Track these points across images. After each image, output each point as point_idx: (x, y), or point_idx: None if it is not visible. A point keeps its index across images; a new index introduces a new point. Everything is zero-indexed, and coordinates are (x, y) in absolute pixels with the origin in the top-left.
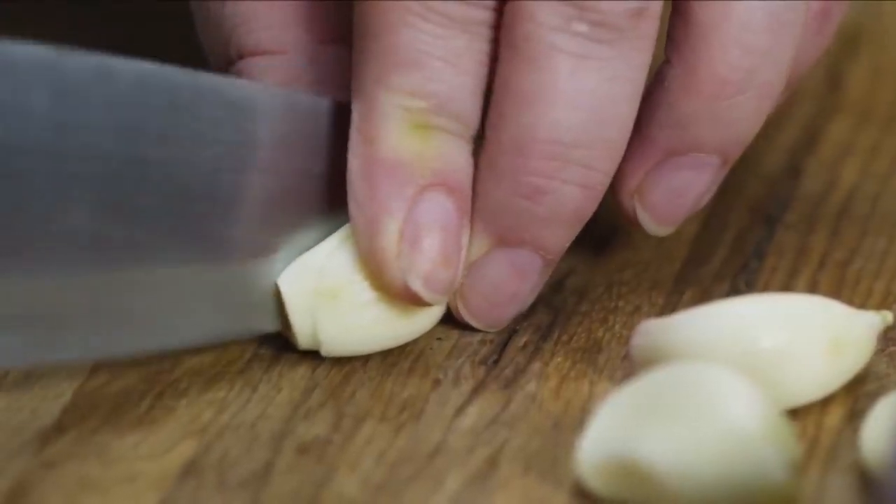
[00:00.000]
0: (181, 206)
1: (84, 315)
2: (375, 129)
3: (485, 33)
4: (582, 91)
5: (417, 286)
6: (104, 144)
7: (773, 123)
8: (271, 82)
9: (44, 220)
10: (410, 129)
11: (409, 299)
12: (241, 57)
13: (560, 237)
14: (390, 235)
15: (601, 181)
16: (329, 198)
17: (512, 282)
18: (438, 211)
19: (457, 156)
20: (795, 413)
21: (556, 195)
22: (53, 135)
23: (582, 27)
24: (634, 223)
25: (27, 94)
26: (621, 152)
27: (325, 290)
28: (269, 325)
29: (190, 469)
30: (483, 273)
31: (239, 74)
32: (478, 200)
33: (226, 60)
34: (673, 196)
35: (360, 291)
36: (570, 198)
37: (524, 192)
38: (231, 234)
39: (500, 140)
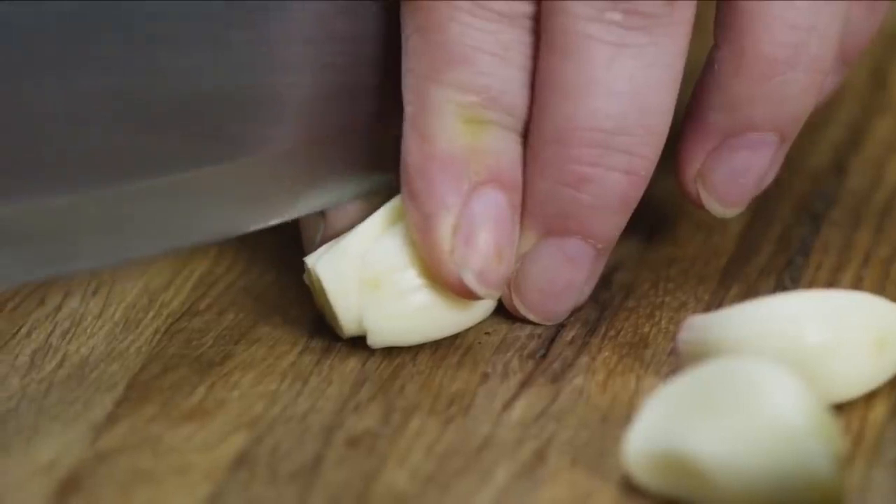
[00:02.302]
0: (197, 110)
1: (96, 226)
2: (429, 126)
3: (529, 26)
4: (620, 78)
5: (471, 281)
6: (116, 55)
7: (818, 122)
8: None
9: (56, 139)
10: (464, 125)
11: (462, 293)
12: None
13: (608, 224)
14: (445, 230)
15: (645, 167)
16: (369, 97)
17: (564, 272)
18: (491, 207)
19: (509, 151)
20: (840, 408)
21: (600, 182)
22: (64, 49)
23: (616, 16)
24: (701, 207)
25: (35, 9)
26: (663, 138)
27: (369, 279)
28: (287, 213)
29: (241, 461)
30: (535, 265)
31: None
32: (524, 193)
33: None
34: (735, 177)
35: (405, 280)
36: (615, 184)
37: (568, 181)
38: (252, 132)
39: (541, 131)
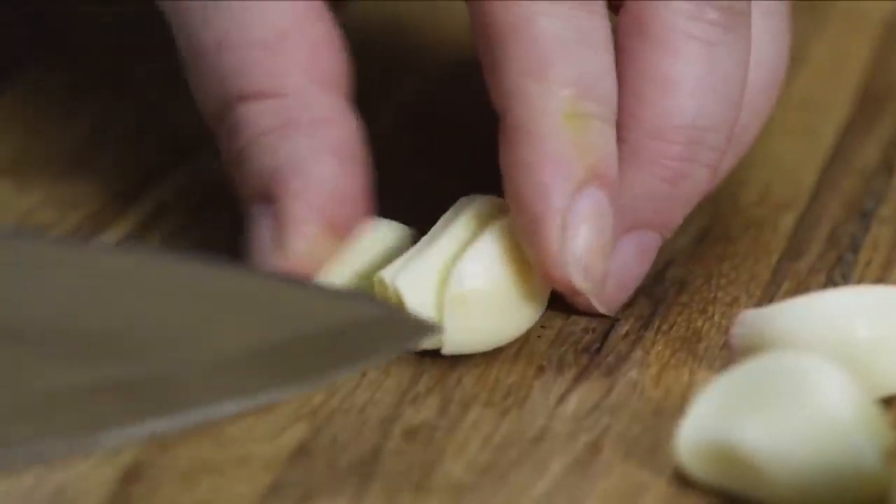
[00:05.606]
0: None
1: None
2: (532, 124)
3: (603, 12)
4: (717, 76)
5: (578, 279)
6: None
7: (867, 122)
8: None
9: None
10: (564, 120)
11: (567, 290)
12: (240, 100)
13: (683, 217)
14: (555, 230)
15: (720, 161)
16: None
17: (638, 263)
18: (594, 205)
19: (608, 145)
20: (890, 402)
21: (692, 178)
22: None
23: (714, 14)
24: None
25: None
26: (733, 131)
27: (456, 297)
28: None
29: (301, 452)
30: (615, 260)
31: (237, 120)
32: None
33: (222, 104)
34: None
35: (492, 294)
36: (703, 180)
37: (667, 177)
38: None
39: (641, 126)
